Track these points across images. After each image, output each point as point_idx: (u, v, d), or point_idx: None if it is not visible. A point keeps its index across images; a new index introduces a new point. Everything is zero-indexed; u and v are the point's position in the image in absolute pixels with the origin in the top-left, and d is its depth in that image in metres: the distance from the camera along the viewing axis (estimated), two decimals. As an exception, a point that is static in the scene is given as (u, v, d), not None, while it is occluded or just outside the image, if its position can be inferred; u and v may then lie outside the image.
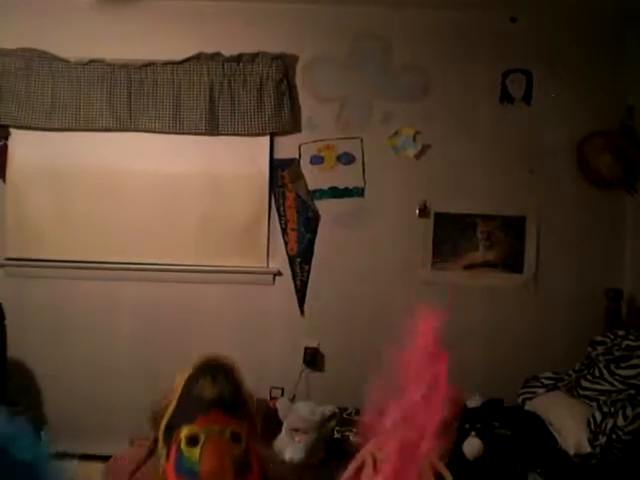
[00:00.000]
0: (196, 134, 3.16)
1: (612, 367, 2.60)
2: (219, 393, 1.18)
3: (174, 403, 1.22)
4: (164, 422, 1.22)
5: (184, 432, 1.16)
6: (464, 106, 3.18)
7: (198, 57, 3.14)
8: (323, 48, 3.19)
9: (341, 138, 3.21)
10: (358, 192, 3.22)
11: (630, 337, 2.66)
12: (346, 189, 3.21)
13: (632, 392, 2.45)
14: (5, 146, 3.22)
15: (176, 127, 3.13)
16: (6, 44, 3.15)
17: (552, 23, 3.15)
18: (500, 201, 3.20)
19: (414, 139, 3.19)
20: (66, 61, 3.14)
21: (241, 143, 3.18)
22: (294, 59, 3.20)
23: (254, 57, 3.13)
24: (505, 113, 3.20)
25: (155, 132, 3.15)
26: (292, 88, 3.19)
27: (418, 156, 3.19)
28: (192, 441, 1.15)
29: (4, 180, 3.24)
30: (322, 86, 3.21)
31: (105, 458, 2.94)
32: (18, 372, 3.18)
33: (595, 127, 3.15)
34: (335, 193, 3.22)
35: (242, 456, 1.16)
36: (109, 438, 3.11)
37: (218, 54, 3.14)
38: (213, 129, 3.14)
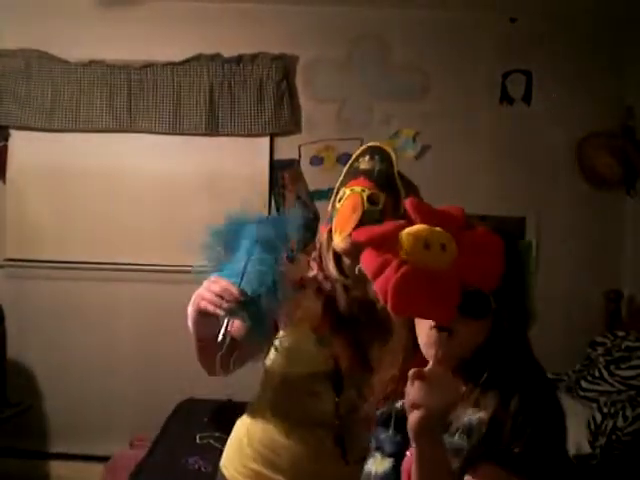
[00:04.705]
0: (196, 135, 3.16)
1: (612, 368, 2.60)
2: (371, 167, 1.39)
3: (341, 177, 1.44)
4: (336, 187, 1.44)
5: (339, 193, 1.40)
6: (464, 107, 3.18)
7: (198, 58, 3.14)
8: (323, 49, 3.19)
9: (341, 139, 3.21)
10: (358, 193, 3.21)
11: (630, 338, 2.65)
12: (346, 190, 3.21)
13: (632, 393, 2.44)
14: (5, 146, 3.22)
15: (176, 128, 3.13)
16: (6, 44, 3.15)
17: (552, 23, 3.14)
18: (500, 202, 3.19)
19: (414, 140, 3.19)
20: (66, 62, 3.14)
21: (241, 144, 3.18)
22: (294, 60, 3.20)
23: (254, 58, 3.13)
24: (505, 114, 3.19)
25: (155, 133, 3.15)
26: (292, 89, 3.19)
27: (418, 157, 3.20)
28: (341, 199, 1.39)
29: (4, 181, 3.24)
30: (322, 87, 3.22)
31: (105, 458, 2.98)
32: (18, 372, 3.18)
33: (595, 127, 3.14)
34: (335, 194, 3.22)
35: (375, 215, 1.33)
36: (109, 438, 3.13)
37: (218, 55, 3.14)
38: (213, 130, 3.14)
